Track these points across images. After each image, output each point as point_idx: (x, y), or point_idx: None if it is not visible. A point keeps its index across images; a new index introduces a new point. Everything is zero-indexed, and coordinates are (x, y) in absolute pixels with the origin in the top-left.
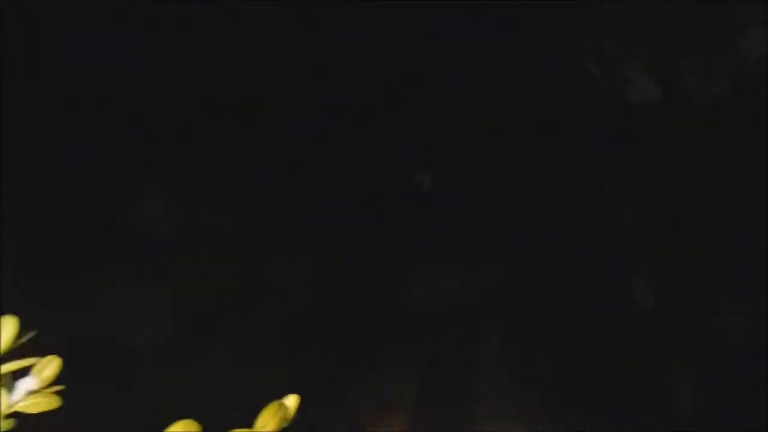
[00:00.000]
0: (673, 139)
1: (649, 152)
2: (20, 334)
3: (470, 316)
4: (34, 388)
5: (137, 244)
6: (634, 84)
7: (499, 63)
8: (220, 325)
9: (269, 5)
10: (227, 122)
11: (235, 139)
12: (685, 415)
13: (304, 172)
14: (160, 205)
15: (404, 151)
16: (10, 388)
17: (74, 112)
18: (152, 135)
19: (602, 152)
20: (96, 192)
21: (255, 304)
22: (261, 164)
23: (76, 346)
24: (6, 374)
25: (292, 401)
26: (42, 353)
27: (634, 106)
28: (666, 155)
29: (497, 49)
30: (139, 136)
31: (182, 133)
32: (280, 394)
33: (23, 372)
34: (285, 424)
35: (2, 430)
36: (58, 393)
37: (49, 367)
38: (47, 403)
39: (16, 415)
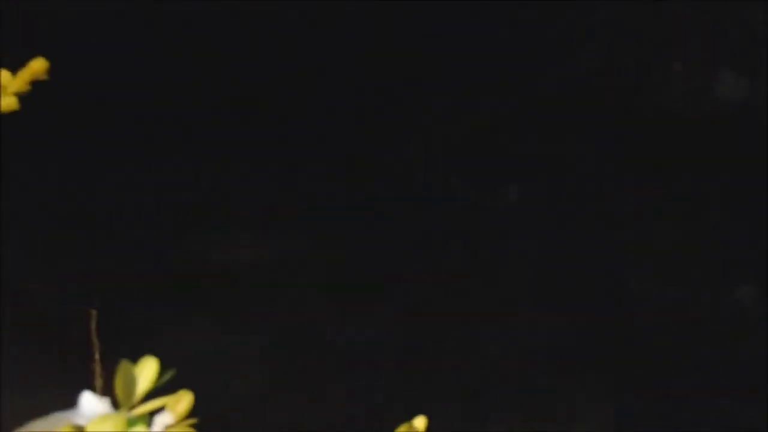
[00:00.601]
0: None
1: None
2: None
3: (471, 315)
4: (170, 422)
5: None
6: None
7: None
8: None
9: (268, 5)
10: (227, 121)
11: (235, 138)
12: (689, 415)
13: (304, 172)
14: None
15: (405, 151)
16: (149, 423)
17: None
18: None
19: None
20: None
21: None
22: (262, 163)
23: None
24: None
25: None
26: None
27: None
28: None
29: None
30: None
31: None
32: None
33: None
34: None
35: None
36: (192, 426)
37: (181, 402)
38: None
39: None
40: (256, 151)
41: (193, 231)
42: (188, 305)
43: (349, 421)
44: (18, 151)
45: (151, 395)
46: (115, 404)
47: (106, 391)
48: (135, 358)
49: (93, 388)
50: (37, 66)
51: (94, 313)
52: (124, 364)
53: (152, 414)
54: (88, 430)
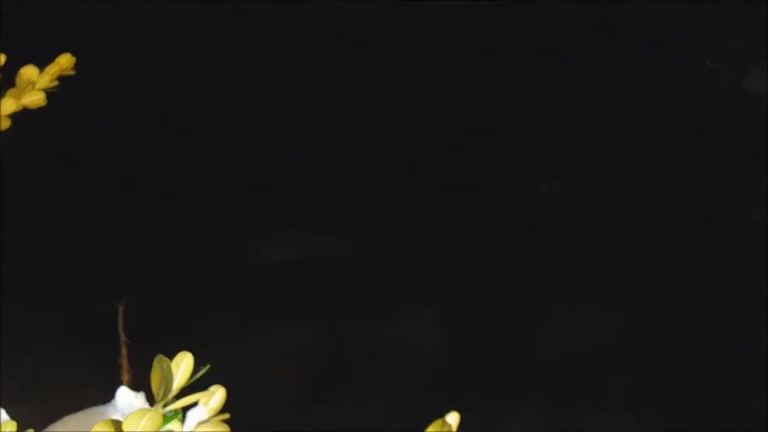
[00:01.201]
0: None
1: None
2: (195, 370)
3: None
4: (204, 417)
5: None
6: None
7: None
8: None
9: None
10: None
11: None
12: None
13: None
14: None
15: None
16: (182, 418)
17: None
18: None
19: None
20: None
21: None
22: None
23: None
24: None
25: (453, 419)
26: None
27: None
28: None
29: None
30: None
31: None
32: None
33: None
34: None
35: None
36: (225, 422)
37: (215, 397)
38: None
39: None
40: (290, 148)
41: (225, 227)
42: (219, 302)
43: (388, 419)
44: (51, 143)
45: (185, 391)
46: (150, 399)
47: (133, 387)
48: (164, 354)
49: (120, 385)
50: (65, 62)
51: (121, 309)
52: (160, 359)
53: (186, 409)
54: (125, 425)
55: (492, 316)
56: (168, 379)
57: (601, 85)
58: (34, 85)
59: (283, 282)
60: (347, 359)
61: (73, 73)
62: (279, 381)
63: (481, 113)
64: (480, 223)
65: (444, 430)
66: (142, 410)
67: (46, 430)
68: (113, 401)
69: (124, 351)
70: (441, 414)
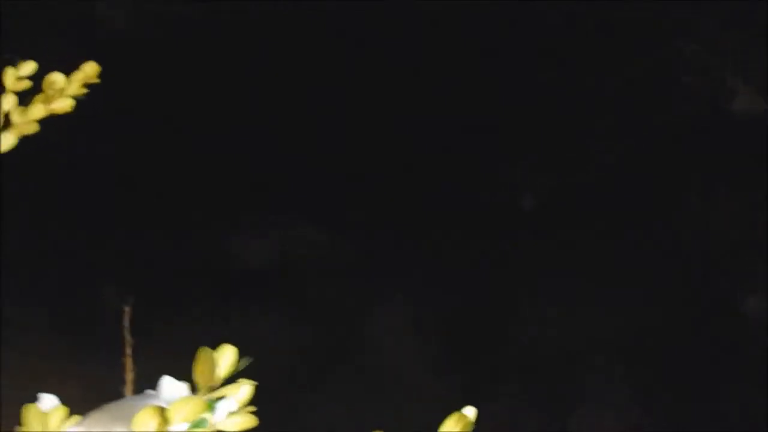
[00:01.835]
0: None
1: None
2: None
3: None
4: (234, 408)
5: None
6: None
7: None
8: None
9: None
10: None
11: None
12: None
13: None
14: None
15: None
16: (213, 409)
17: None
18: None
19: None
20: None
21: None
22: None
23: None
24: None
25: (470, 412)
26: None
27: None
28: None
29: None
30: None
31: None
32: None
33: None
34: None
35: None
36: (253, 413)
37: (243, 389)
38: (245, 422)
39: None
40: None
41: (223, 227)
42: (220, 299)
43: (397, 414)
44: (51, 143)
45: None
46: (193, 389)
47: (137, 385)
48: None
49: (124, 383)
50: (90, 69)
51: (127, 310)
52: (204, 351)
53: (214, 401)
54: (171, 411)
55: (490, 316)
56: (211, 369)
57: (601, 85)
58: (63, 92)
59: (277, 280)
60: (340, 355)
61: (97, 81)
62: (272, 377)
63: (477, 113)
64: (477, 223)
65: (462, 422)
66: (187, 397)
67: (88, 415)
68: (144, 392)
69: (129, 350)
70: (439, 410)
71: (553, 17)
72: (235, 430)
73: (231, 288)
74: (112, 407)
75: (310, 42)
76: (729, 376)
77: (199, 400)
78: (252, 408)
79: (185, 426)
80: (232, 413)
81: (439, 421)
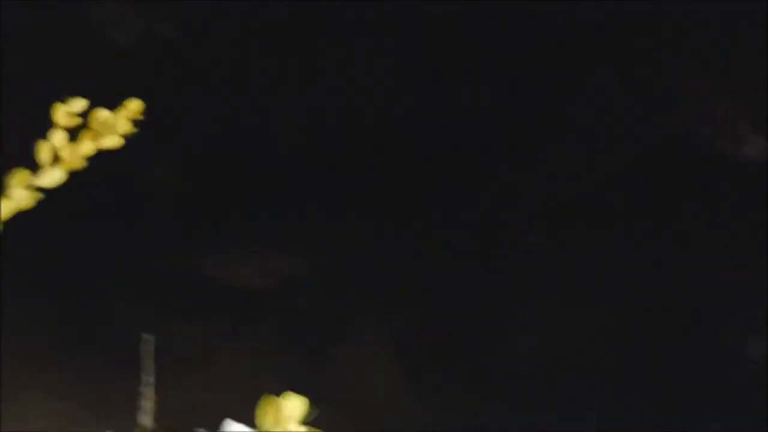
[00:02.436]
0: None
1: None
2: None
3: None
4: None
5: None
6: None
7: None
8: None
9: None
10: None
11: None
12: None
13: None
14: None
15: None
16: None
17: None
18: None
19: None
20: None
21: None
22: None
23: None
24: None
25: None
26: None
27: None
28: None
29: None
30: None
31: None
32: None
33: None
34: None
35: None
36: None
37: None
38: None
39: None
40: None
41: (215, 248)
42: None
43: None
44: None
45: None
46: None
47: (158, 414)
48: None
49: (144, 411)
50: (134, 107)
51: (148, 338)
52: (269, 399)
53: None
54: None
55: (478, 323)
56: (281, 418)
57: (601, 88)
58: (112, 129)
59: (259, 299)
60: (324, 371)
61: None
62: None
63: (471, 117)
64: (466, 229)
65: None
66: None
67: None
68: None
69: (151, 379)
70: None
71: (553, 17)
72: None
73: (205, 308)
74: None
75: (290, 64)
76: (730, 377)
77: None
78: None
79: None
80: None
81: None
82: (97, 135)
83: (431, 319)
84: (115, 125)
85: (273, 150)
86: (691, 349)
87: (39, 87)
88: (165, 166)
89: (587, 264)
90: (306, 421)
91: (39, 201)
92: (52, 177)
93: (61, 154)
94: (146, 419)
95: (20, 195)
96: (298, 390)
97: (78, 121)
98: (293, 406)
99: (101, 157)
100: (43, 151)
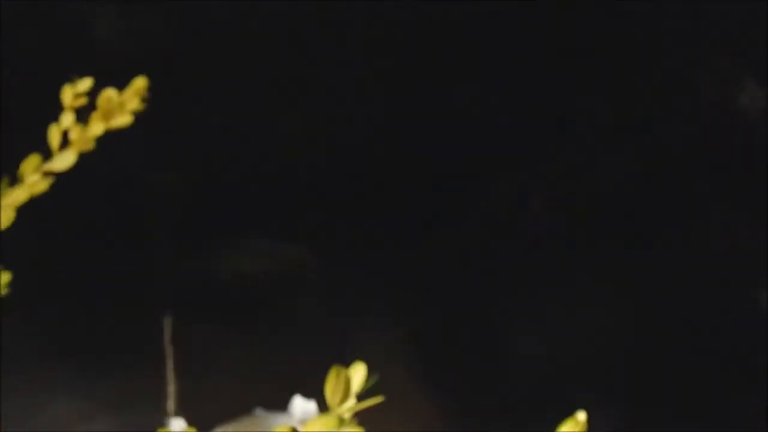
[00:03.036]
0: None
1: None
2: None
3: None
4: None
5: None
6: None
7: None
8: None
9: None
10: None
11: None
12: None
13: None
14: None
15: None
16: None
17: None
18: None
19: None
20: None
21: None
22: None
23: None
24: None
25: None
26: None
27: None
28: None
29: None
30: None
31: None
32: None
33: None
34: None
35: None
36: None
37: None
38: None
39: None
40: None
41: (225, 241)
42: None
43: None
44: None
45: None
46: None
47: (179, 401)
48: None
49: (165, 398)
50: (140, 84)
51: (167, 322)
52: (336, 369)
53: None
54: (305, 428)
55: (480, 324)
56: (344, 387)
57: (601, 89)
58: (122, 107)
59: (258, 293)
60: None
61: (147, 95)
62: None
63: (468, 120)
64: (463, 233)
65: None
66: (321, 416)
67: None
68: (255, 411)
69: (170, 364)
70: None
71: (558, 20)
72: None
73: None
74: (240, 424)
75: (282, 67)
76: (730, 378)
77: (333, 417)
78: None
79: None
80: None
81: None
82: (107, 115)
83: (441, 319)
84: (125, 104)
85: (273, 150)
86: (697, 350)
87: (39, 87)
88: (165, 167)
89: (595, 264)
90: (368, 390)
91: (51, 189)
92: (63, 160)
93: (71, 137)
94: (171, 405)
95: (33, 180)
96: (305, 390)
97: (85, 101)
98: (359, 377)
99: (101, 157)
100: (54, 135)
